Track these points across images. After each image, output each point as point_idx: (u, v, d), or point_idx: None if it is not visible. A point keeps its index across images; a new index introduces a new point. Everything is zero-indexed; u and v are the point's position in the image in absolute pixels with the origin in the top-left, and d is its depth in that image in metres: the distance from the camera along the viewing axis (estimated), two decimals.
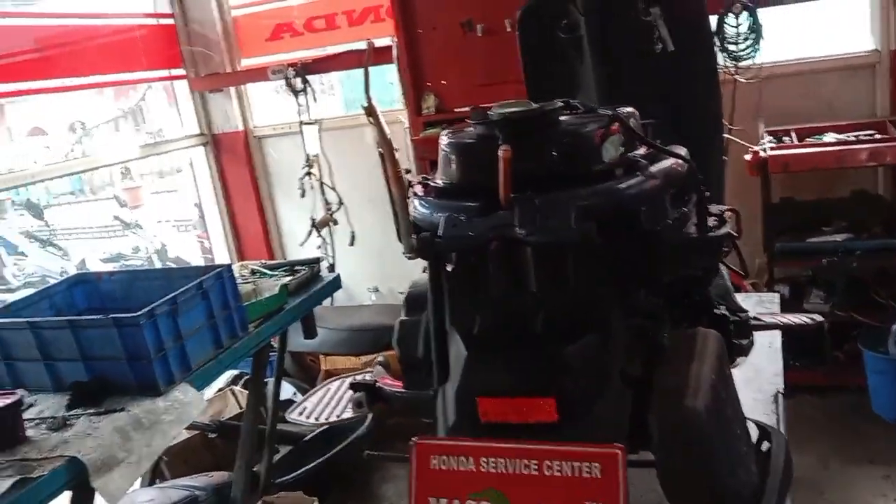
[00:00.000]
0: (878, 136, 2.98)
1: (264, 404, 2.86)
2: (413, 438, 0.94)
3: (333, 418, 1.59)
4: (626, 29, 1.79)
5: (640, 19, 1.75)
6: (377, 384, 1.34)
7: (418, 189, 1.14)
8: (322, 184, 4.13)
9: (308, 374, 3.82)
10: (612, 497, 0.81)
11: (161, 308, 2.04)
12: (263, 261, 3.14)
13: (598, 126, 1.05)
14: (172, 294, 2.09)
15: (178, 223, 6.15)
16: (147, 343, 1.98)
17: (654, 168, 1.03)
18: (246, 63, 4.38)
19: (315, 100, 4.01)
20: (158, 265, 5.38)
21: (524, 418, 0.93)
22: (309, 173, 4.09)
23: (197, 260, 5.66)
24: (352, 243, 4.12)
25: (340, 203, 4.15)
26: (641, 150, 1.10)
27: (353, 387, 1.35)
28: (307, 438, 3.22)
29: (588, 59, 1.88)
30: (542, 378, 0.96)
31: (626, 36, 1.80)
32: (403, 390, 1.32)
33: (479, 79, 3.40)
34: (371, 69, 3.78)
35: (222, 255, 4.84)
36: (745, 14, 2.92)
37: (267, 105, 4.57)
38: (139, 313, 1.97)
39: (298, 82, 3.97)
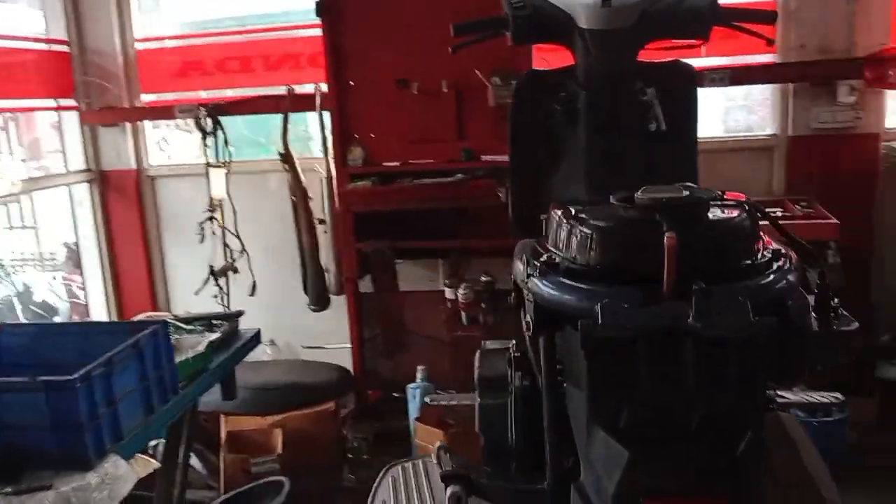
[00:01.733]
0: (780, 213, 3.22)
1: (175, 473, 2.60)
2: None
3: None
4: (625, 107, 1.82)
5: (638, 99, 1.79)
6: (472, 476, 1.22)
7: (540, 266, 1.07)
8: (224, 230, 3.91)
9: (204, 436, 3.53)
10: None
11: (97, 370, 1.82)
12: (177, 314, 2.92)
13: (752, 216, 1.04)
14: (108, 354, 1.87)
15: (37, 262, 5.62)
16: (80, 409, 1.75)
17: (790, 259, 1.04)
18: (146, 99, 4.12)
19: (227, 142, 3.82)
20: (20, 310, 4.85)
21: None
22: (212, 218, 3.86)
23: (63, 305, 5.17)
24: (252, 293, 3.91)
25: (243, 250, 3.94)
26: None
27: (446, 480, 1.22)
28: None
29: (581, 133, 1.89)
30: (716, 480, 0.93)
31: (624, 113, 1.84)
32: (506, 483, 1.21)
33: (411, 135, 3.38)
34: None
35: (98, 302, 4.44)
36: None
37: (163, 144, 4.31)
38: (74, 376, 1.74)
39: (209, 123, 3.77)
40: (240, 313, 2.80)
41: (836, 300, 1.03)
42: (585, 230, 1.04)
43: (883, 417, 3.31)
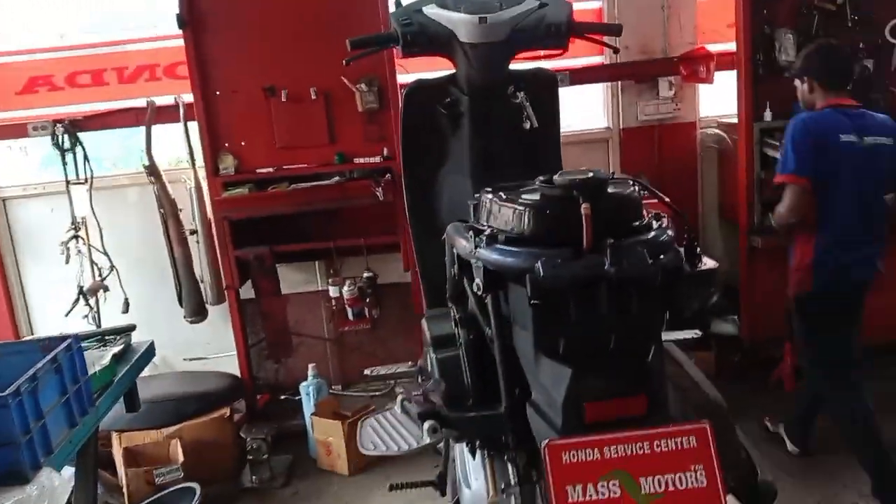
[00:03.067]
0: None
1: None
2: (543, 442, 1.10)
3: (405, 446, 1.59)
4: (501, 109, 2.10)
5: (511, 101, 2.07)
6: (441, 412, 1.42)
7: (486, 238, 1.30)
8: (91, 248, 3.82)
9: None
10: (707, 459, 1.08)
11: (24, 385, 1.83)
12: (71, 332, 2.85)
13: (637, 189, 1.32)
14: (32, 370, 1.89)
15: None
16: (14, 425, 1.77)
17: (665, 219, 1.33)
18: None
19: (87, 158, 3.73)
20: None
21: (621, 414, 1.16)
22: (76, 237, 3.76)
23: None
24: (125, 310, 3.84)
25: (112, 267, 3.87)
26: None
27: (422, 416, 1.42)
28: None
29: (465, 133, 2.15)
30: (635, 382, 1.20)
31: (501, 115, 2.11)
32: (471, 413, 1.43)
33: (281, 141, 3.49)
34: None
35: None
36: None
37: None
38: (6, 393, 1.76)
39: (66, 140, 3.67)
40: (132, 327, 2.81)
41: (698, 250, 1.35)
42: (520, 207, 1.28)
43: (720, 368, 3.85)
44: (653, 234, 1.25)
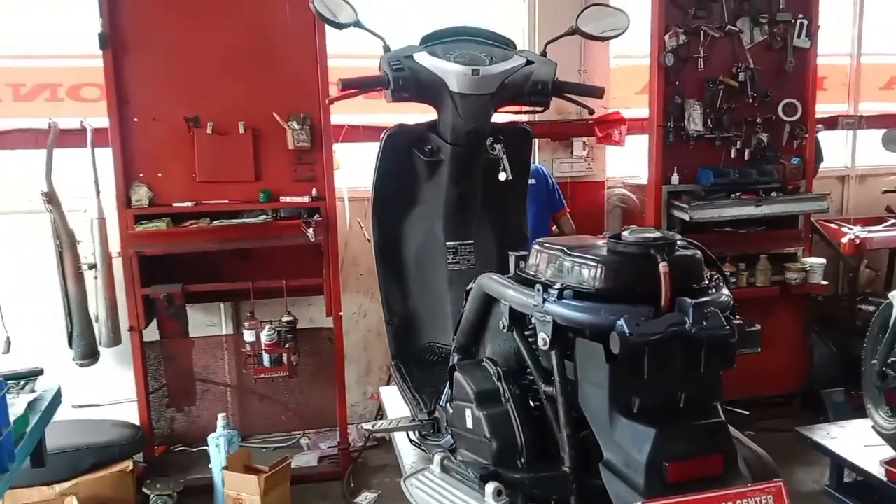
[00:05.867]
0: None
1: None
2: (638, 502, 1.07)
3: None
4: (479, 159, 2.12)
5: (489, 153, 2.10)
6: (501, 472, 1.34)
7: (558, 293, 1.27)
8: None
9: None
10: None
11: None
12: None
13: (699, 251, 1.35)
14: None
15: None
16: None
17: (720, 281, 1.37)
18: None
19: None
20: None
21: (700, 474, 1.16)
22: None
23: None
24: (6, 351, 3.44)
25: None
26: None
27: (485, 478, 1.32)
28: None
29: (442, 179, 2.14)
30: (712, 441, 1.22)
31: (479, 165, 2.13)
32: (531, 474, 1.36)
33: (203, 175, 3.30)
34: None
35: None
36: None
37: None
38: None
39: None
40: (39, 371, 2.53)
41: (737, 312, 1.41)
42: (592, 262, 1.28)
43: None
44: (717, 295, 1.28)
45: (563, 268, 1.32)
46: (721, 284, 1.35)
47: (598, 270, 1.26)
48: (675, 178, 3.89)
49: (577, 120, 4.18)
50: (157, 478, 3.22)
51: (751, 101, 3.85)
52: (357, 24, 2.06)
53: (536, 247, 1.44)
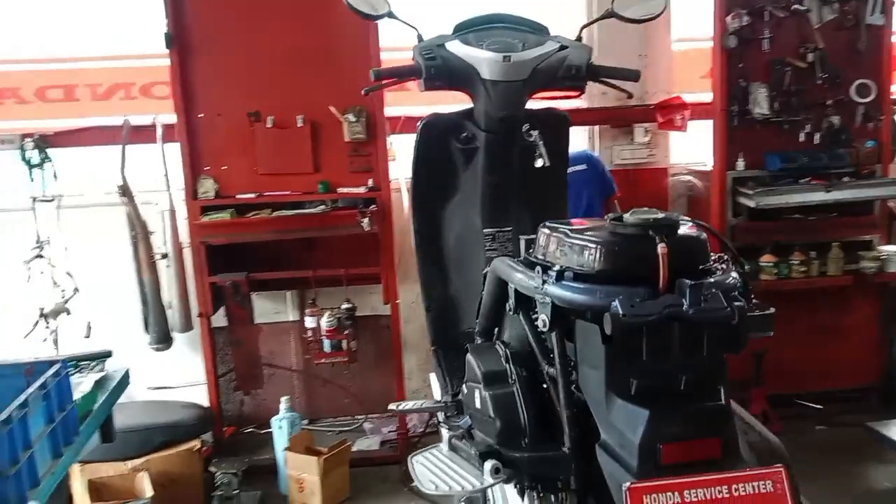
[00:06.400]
0: None
1: None
2: (624, 485, 1.07)
3: (468, 486, 1.52)
4: (515, 147, 2.12)
5: (526, 139, 2.10)
6: (502, 451, 1.38)
7: (556, 274, 1.29)
8: (54, 268, 3.66)
9: None
10: (784, 502, 1.09)
11: (15, 412, 1.72)
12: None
13: (705, 232, 1.34)
14: (23, 396, 1.77)
15: None
16: (5, 455, 1.65)
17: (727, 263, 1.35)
18: None
19: (55, 176, 3.59)
20: None
21: (696, 457, 1.15)
22: (40, 256, 3.60)
23: None
24: (88, 335, 3.68)
25: (75, 290, 3.70)
26: None
27: (484, 456, 1.37)
28: None
29: (478, 168, 2.16)
30: (710, 425, 1.20)
31: (515, 152, 2.14)
32: (531, 453, 1.39)
33: (264, 168, 3.43)
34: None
35: None
36: None
37: None
38: None
39: (36, 155, 3.53)
40: (108, 353, 2.69)
41: (752, 294, 1.38)
42: (592, 244, 1.28)
43: None
44: (723, 276, 1.27)
45: (566, 250, 1.33)
46: (731, 266, 1.32)
47: (597, 252, 1.26)
48: (740, 164, 3.78)
49: (637, 105, 4.09)
50: (224, 457, 3.37)
51: (820, 82, 3.70)
52: (390, 14, 2.10)
53: (542, 229, 1.45)
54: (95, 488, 2.96)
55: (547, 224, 1.45)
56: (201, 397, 3.67)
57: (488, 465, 1.38)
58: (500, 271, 1.54)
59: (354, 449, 3.59)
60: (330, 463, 3.22)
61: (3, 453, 1.66)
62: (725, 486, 1.08)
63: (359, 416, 3.97)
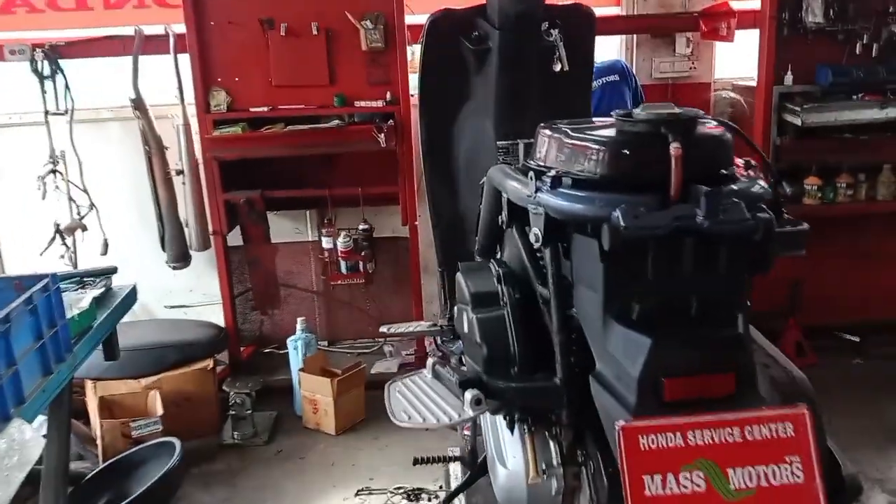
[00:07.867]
0: None
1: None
2: (617, 423, 0.93)
3: (445, 419, 1.42)
4: (532, 48, 1.92)
5: (545, 40, 1.89)
6: (484, 380, 1.25)
7: (551, 181, 1.11)
8: (69, 184, 3.58)
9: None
10: (805, 451, 0.93)
11: None
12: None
13: (730, 132, 1.15)
14: (5, 311, 1.69)
15: None
16: None
17: (757, 168, 1.16)
18: None
19: (68, 88, 3.47)
20: None
21: (706, 394, 1.00)
22: (54, 171, 3.53)
23: None
24: (104, 252, 3.63)
25: (91, 206, 3.64)
26: None
27: (463, 385, 1.24)
28: (89, 477, 2.77)
29: (491, 71, 1.97)
30: (723, 357, 1.04)
31: (533, 53, 1.93)
32: (518, 383, 1.25)
33: (278, 79, 3.27)
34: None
35: None
36: None
37: None
38: None
39: (47, 66, 3.41)
40: (113, 269, 2.61)
41: (784, 207, 1.19)
42: (593, 144, 1.10)
43: None
44: (747, 184, 1.08)
45: (565, 153, 1.15)
46: (758, 173, 1.14)
47: (601, 154, 1.08)
48: (788, 78, 3.49)
49: (680, 13, 3.79)
50: (238, 376, 3.34)
51: None
52: None
53: (541, 130, 1.27)
54: (107, 405, 2.95)
55: (545, 124, 1.27)
56: (219, 317, 3.62)
57: (469, 395, 1.24)
58: (494, 180, 1.38)
59: (372, 371, 3.53)
60: (344, 384, 3.16)
61: None
62: (737, 428, 0.93)
63: (378, 339, 3.90)
